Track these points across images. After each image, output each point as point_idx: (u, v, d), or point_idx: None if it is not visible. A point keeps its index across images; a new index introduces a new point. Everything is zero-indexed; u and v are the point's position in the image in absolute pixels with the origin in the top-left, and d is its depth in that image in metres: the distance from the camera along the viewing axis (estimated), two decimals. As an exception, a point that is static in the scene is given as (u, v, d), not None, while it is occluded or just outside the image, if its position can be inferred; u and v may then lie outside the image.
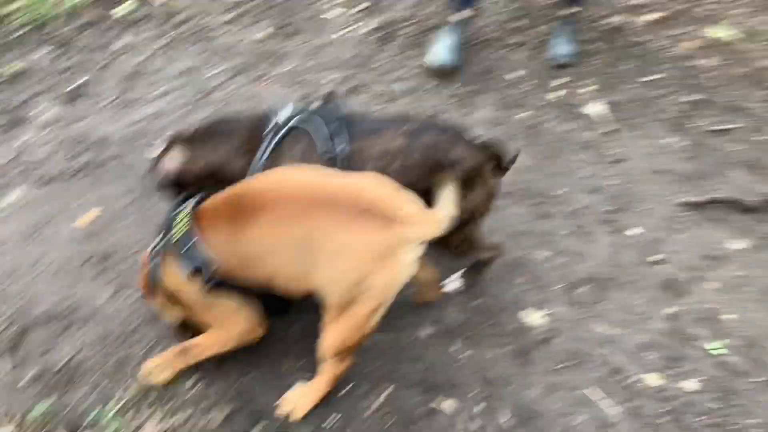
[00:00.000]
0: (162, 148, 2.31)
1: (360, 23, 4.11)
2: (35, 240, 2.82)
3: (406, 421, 2.15)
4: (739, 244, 2.78)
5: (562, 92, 3.65)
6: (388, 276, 1.84)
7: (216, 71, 3.75)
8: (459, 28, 3.74)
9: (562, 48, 3.79)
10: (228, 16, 4.16)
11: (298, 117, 2.17)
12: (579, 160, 3.22)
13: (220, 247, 1.92)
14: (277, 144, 2.14)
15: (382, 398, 2.22)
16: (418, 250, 1.87)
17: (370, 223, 1.79)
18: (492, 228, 2.80)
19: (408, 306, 2.47)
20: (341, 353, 2.02)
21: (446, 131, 2.19)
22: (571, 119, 3.47)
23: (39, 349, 2.40)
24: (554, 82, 3.70)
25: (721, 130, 3.34)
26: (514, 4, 4.22)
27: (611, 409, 2.20)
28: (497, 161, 2.22)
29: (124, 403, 2.19)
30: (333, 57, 3.88)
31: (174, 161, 2.24)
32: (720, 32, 4.00)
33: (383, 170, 2.09)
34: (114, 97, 3.59)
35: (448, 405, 2.21)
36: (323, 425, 2.14)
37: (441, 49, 3.69)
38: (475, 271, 2.57)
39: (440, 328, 2.47)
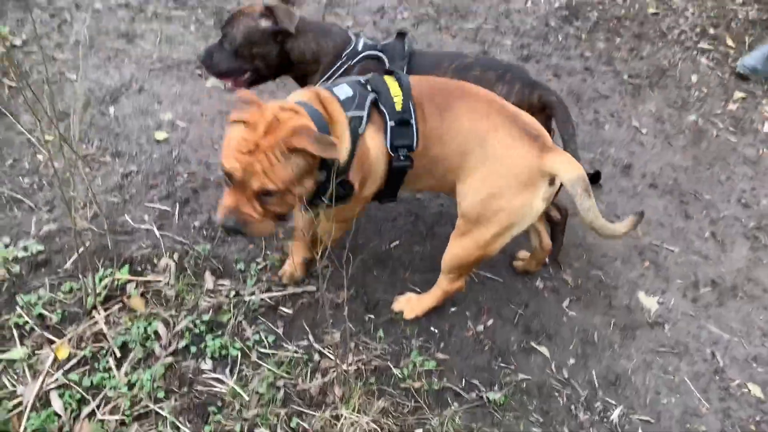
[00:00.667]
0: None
1: (551, -2, 4.21)
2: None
3: (502, 350, 2.31)
4: None
5: (743, 105, 3.53)
6: (522, 202, 1.96)
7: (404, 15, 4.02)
8: None
9: (757, 60, 3.67)
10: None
11: (372, 47, 2.43)
12: (740, 173, 3.14)
13: (421, 129, 1.99)
14: (352, 65, 2.43)
15: (483, 326, 2.39)
16: (552, 189, 1.97)
17: (532, 147, 1.93)
18: (629, 212, 2.84)
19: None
20: (458, 269, 2.20)
21: (497, 69, 2.30)
22: (744, 133, 3.36)
23: (206, 206, 2.79)
24: (737, 94, 3.59)
25: None
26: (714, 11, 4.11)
27: (702, 401, 2.22)
28: (545, 110, 2.26)
29: (265, 266, 2.53)
30: (517, 23, 4.00)
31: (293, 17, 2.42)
32: None
33: None
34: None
35: (543, 350, 2.34)
36: (429, 328, 2.35)
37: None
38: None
39: (553, 285, 2.58)
